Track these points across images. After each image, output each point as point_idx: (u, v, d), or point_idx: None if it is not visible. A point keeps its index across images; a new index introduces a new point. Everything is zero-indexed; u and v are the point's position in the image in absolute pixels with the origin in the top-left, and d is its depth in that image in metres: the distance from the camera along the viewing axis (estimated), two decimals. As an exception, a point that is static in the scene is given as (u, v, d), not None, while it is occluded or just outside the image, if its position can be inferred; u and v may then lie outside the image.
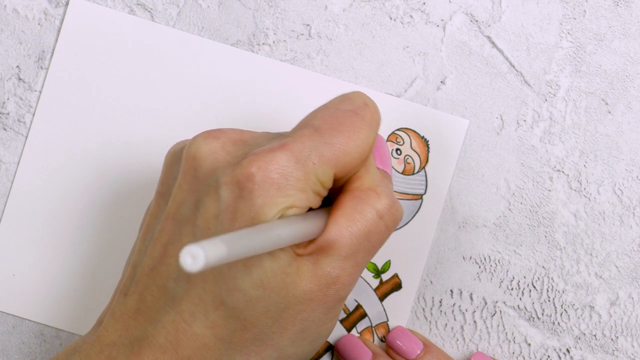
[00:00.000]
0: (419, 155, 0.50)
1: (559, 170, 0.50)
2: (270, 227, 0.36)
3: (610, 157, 0.50)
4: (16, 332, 0.51)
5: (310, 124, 0.39)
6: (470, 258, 0.50)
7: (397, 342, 0.49)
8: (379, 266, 0.50)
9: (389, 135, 0.50)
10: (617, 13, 0.50)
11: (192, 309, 0.38)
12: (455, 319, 0.50)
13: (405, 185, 0.50)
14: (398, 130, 0.50)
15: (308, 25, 0.51)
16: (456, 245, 0.50)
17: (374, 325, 0.50)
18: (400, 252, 0.50)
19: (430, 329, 0.50)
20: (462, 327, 0.50)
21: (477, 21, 0.50)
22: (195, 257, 0.29)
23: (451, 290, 0.50)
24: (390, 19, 0.51)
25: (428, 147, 0.50)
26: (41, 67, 0.51)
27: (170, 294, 0.39)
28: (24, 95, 0.51)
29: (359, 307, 0.50)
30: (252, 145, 0.40)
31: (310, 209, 0.39)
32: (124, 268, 0.43)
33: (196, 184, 0.39)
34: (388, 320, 0.50)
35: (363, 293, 0.50)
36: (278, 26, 0.51)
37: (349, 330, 0.50)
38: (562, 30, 0.50)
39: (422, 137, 0.50)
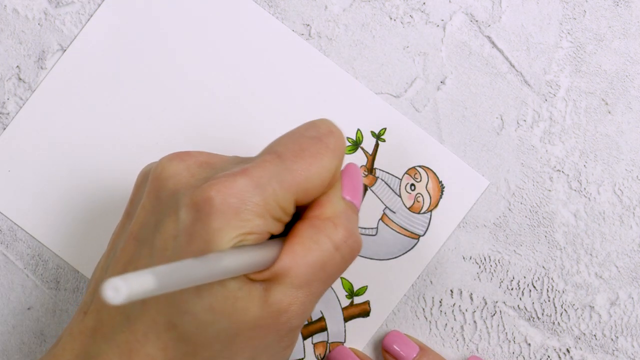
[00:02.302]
0: (430, 198, 0.50)
1: (559, 170, 0.50)
2: (218, 258, 0.35)
3: (610, 157, 0.50)
4: (16, 332, 0.51)
5: (273, 150, 0.39)
6: (470, 258, 0.50)
7: (394, 346, 0.49)
8: (355, 288, 0.50)
9: (410, 169, 0.50)
10: (617, 13, 0.50)
11: (145, 330, 0.38)
12: (455, 319, 0.50)
13: (407, 221, 0.50)
14: (420, 166, 0.50)
15: (308, 25, 0.51)
16: (456, 245, 0.50)
17: (330, 341, 0.50)
18: (379, 282, 0.50)
19: (430, 329, 0.50)
20: (462, 327, 0.50)
21: (477, 21, 0.50)
22: (117, 290, 0.29)
23: (451, 290, 0.50)
24: (390, 19, 0.51)
25: (442, 193, 0.50)
26: (41, 67, 0.51)
27: (126, 313, 0.39)
28: (24, 95, 0.51)
29: (322, 319, 0.50)
30: (218, 169, 0.39)
31: (273, 236, 0.39)
32: (88, 283, 0.42)
33: (158, 205, 0.39)
34: (344, 342, 0.50)
35: (331, 308, 0.50)
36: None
37: (304, 338, 0.50)
38: (562, 30, 0.50)
39: (440, 182, 0.50)
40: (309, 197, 0.40)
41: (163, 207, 0.39)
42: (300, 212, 0.41)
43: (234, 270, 0.36)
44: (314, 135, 0.40)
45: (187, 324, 0.37)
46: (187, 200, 0.38)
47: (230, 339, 0.38)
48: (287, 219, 0.39)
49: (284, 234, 0.40)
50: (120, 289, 0.29)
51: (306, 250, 0.39)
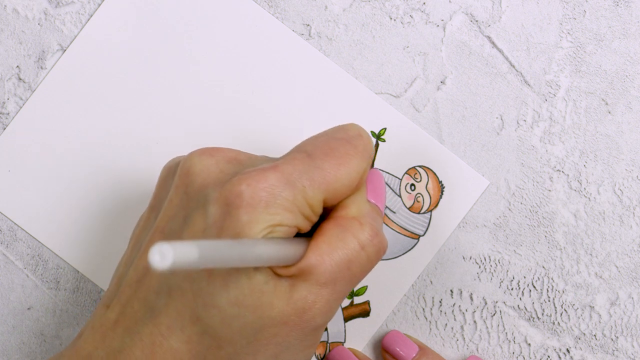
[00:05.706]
0: (430, 197, 0.50)
1: (559, 170, 0.50)
2: (251, 244, 0.35)
3: (610, 157, 0.50)
4: (16, 332, 0.51)
5: (303, 149, 0.40)
6: (470, 258, 0.50)
7: (394, 346, 0.49)
8: (355, 288, 0.50)
9: (410, 169, 0.50)
10: (617, 13, 0.50)
11: (169, 323, 0.38)
12: (455, 319, 0.50)
13: (407, 221, 0.50)
14: (420, 166, 0.50)
15: (308, 25, 0.51)
16: (456, 245, 0.50)
17: (329, 341, 0.50)
18: (379, 283, 0.50)
19: (430, 329, 0.50)
20: (462, 327, 0.50)
21: (477, 21, 0.50)
22: (163, 255, 0.29)
23: (451, 290, 0.50)
24: (390, 19, 0.51)
25: (442, 193, 0.50)
26: (41, 67, 0.51)
27: (151, 306, 0.39)
28: (24, 95, 0.51)
29: None
30: (246, 165, 0.40)
31: (299, 234, 0.39)
32: (112, 277, 0.43)
33: (187, 200, 0.39)
34: (344, 342, 0.50)
35: None
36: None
37: None
38: (562, 30, 0.50)
39: (440, 182, 0.50)
40: (337, 197, 0.40)
41: (191, 202, 0.39)
42: (326, 216, 0.41)
43: (265, 258, 0.36)
44: (343, 137, 0.40)
45: (212, 317, 0.38)
46: (216, 194, 0.38)
47: (254, 334, 0.38)
48: (315, 218, 0.39)
49: (310, 235, 0.40)
50: (166, 255, 0.29)
51: (332, 248, 0.39)
